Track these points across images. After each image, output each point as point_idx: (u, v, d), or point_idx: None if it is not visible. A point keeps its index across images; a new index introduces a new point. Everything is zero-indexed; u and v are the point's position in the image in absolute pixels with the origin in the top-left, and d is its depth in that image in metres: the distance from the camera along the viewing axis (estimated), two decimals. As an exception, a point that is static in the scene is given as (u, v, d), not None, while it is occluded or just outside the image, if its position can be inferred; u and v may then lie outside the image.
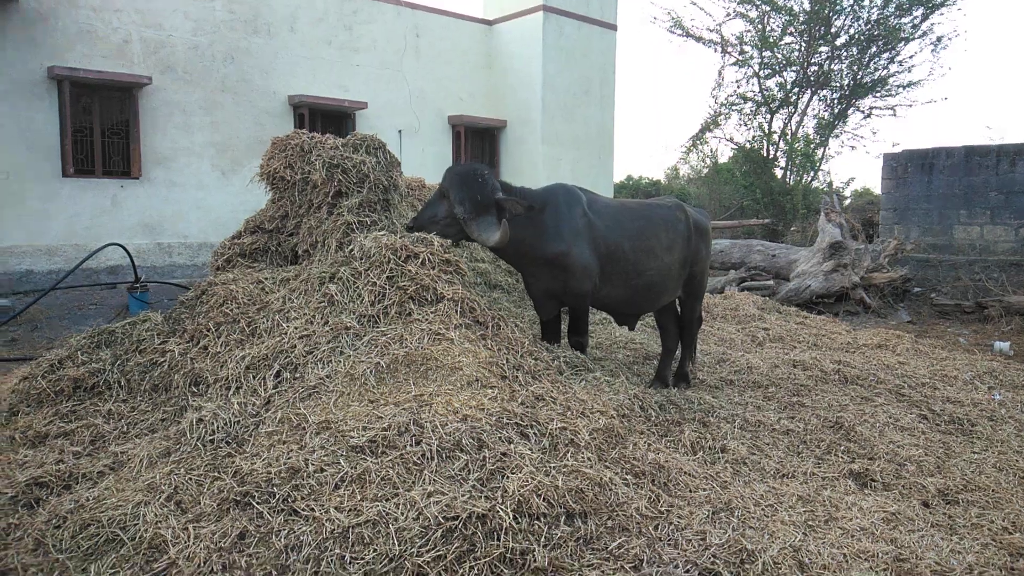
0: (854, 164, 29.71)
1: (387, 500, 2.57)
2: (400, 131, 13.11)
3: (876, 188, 17.73)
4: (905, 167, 11.66)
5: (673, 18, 18.80)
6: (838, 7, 17.16)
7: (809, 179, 18.25)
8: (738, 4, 17.93)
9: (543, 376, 3.76)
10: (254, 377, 3.51)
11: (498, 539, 2.47)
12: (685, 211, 5.01)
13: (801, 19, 17.51)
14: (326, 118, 12.68)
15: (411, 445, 2.86)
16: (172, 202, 11.20)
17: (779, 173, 18.57)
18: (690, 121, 51.88)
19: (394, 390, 3.32)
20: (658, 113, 47.10)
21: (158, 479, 2.91)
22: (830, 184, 18.66)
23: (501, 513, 2.54)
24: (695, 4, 26.52)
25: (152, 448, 3.23)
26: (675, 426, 4.01)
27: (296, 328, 3.68)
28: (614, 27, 15.41)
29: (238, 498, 2.67)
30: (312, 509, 2.55)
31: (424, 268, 3.83)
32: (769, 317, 7.92)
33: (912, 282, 10.23)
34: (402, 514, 2.49)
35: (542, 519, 2.61)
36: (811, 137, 17.79)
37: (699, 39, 18.66)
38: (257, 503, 2.63)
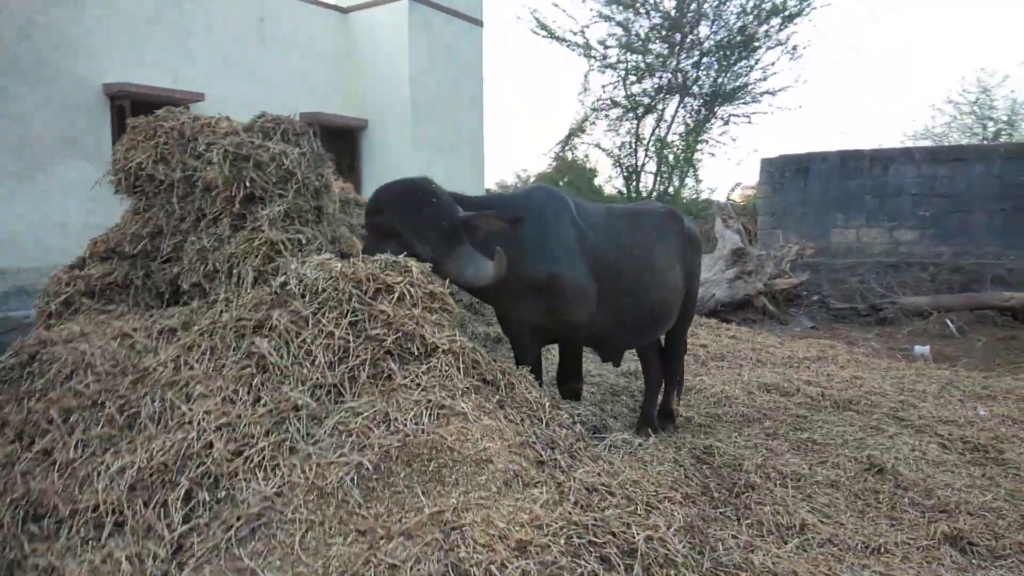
0: (716, 171, 30.76)
1: None
2: (246, 130, 11.27)
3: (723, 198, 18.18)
4: (782, 172, 11.78)
5: (536, 19, 18.19)
6: (702, 12, 17.36)
7: (680, 184, 18.36)
8: (603, 6, 17.63)
9: (581, 453, 2.68)
10: (147, 504, 2.11)
11: None
12: (679, 218, 4.13)
13: (665, 25, 17.57)
14: (152, 112, 10.57)
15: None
16: (-56, 216, 8.66)
17: (650, 180, 18.53)
18: (559, 126, 51.71)
19: (396, 508, 2.09)
20: (521, 117, 46.14)
21: None
22: (709, 191, 18.95)
23: None
24: (557, 6, 26.08)
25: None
26: (734, 498, 3.09)
27: (209, 413, 2.31)
28: (480, 23, 14.48)
29: None
30: None
31: (402, 307, 2.60)
32: (699, 332, 7.33)
33: (801, 287, 10.23)
34: None
35: None
36: (689, 142, 17.81)
37: (563, 41, 18.17)
38: None
